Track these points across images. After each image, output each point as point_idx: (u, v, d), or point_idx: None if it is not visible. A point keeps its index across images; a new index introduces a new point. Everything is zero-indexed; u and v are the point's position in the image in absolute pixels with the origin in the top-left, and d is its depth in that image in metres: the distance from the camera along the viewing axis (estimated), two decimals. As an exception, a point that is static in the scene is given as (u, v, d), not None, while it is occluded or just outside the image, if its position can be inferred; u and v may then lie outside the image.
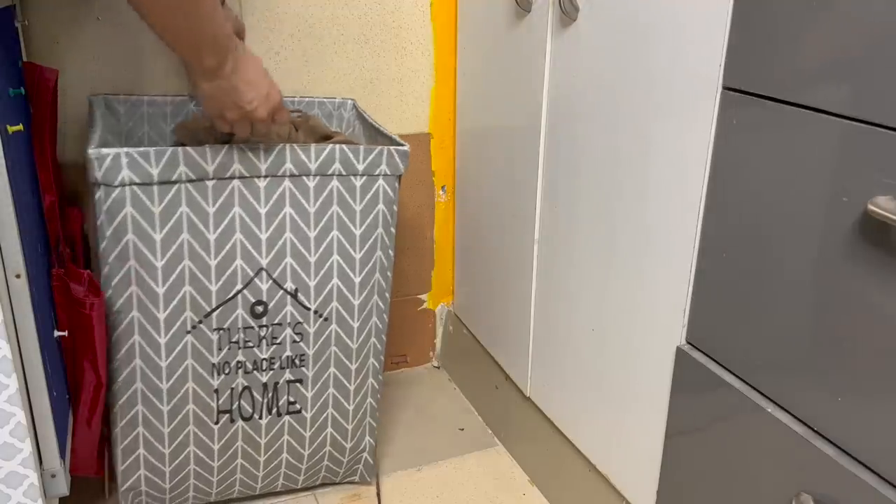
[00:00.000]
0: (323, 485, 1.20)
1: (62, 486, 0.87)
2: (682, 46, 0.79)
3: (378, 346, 1.11)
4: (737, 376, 0.77)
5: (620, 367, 0.96)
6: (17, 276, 0.78)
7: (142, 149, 0.89)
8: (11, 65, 0.91)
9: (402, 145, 1.02)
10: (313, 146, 0.97)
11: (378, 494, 1.20)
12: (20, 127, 0.84)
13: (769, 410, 0.72)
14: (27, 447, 0.79)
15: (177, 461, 1.04)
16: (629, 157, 0.89)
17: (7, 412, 0.77)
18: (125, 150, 0.88)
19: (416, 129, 1.40)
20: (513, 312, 1.23)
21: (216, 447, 1.06)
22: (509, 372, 1.27)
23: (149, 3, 0.76)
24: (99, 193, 0.90)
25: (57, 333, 0.92)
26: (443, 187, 1.45)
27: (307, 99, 1.24)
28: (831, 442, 0.67)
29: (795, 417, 0.71)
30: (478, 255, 1.35)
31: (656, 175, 0.85)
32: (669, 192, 0.83)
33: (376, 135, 1.12)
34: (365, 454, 1.18)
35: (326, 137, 1.10)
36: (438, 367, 1.58)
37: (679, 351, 0.85)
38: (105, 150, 0.88)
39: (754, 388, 0.75)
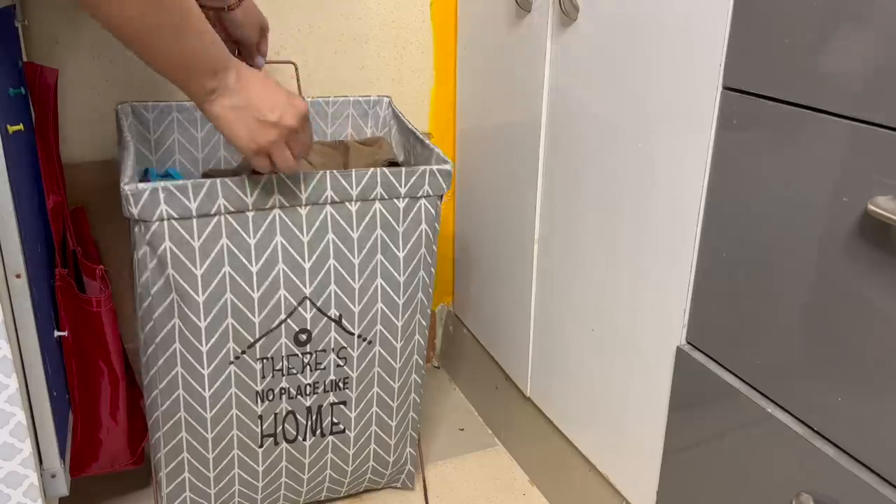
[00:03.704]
0: (366, 491, 1.21)
1: (62, 487, 0.87)
2: (682, 46, 0.79)
3: (420, 361, 1.10)
4: (737, 376, 0.77)
5: (620, 367, 0.96)
6: (18, 276, 0.78)
7: (179, 182, 0.86)
8: (11, 65, 0.90)
9: (445, 162, 0.99)
10: (354, 171, 0.94)
11: (424, 487, 1.20)
12: (20, 127, 0.84)
13: (769, 410, 0.72)
14: (27, 447, 0.79)
15: (221, 484, 1.04)
16: (629, 157, 0.89)
17: (7, 412, 0.77)
18: (162, 184, 0.85)
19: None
20: (513, 312, 1.23)
21: (260, 469, 1.05)
22: (509, 372, 1.27)
23: (128, 25, 0.68)
24: (137, 229, 0.87)
25: (57, 333, 0.92)
26: (443, 187, 1.45)
27: (341, 98, 1.21)
28: (831, 442, 0.67)
29: (795, 417, 0.71)
30: (478, 255, 1.35)
31: (656, 175, 0.85)
32: (669, 192, 0.83)
33: (415, 141, 1.09)
34: (408, 466, 1.19)
35: (393, 163, 1.07)
36: (438, 367, 1.58)
37: (679, 351, 0.85)
38: (142, 186, 0.84)
39: (754, 388, 0.75)
